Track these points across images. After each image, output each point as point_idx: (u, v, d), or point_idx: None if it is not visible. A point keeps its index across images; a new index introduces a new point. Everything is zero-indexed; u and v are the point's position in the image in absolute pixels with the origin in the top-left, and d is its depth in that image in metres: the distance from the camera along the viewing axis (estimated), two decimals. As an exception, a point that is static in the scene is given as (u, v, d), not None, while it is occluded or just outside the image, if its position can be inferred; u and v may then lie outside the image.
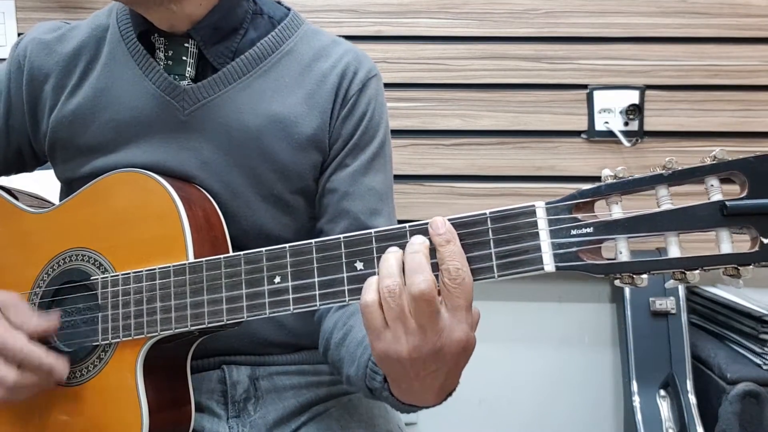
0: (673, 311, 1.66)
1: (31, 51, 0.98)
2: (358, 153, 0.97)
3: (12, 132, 1.00)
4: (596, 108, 1.78)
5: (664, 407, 1.62)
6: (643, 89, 1.77)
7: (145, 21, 0.92)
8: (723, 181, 0.60)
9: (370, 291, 0.66)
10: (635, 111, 1.76)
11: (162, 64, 0.93)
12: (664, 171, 0.61)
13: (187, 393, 0.87)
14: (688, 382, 1.62)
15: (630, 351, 1.68)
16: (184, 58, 0.93)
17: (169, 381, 0.85)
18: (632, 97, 1.77)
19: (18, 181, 1.08)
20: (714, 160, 0.60)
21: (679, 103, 1.78)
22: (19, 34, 1.77)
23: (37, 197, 1.04)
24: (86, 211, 0.89)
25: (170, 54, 0.93)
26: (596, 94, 1.78)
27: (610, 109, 1.77)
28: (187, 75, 0.92)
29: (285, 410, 0.96)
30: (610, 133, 1.77)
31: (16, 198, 0.97)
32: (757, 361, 1.49)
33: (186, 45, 0.92)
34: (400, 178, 1.77)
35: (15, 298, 0.85)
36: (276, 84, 0.95)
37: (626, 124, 1.77)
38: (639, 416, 1.63)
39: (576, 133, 1.79)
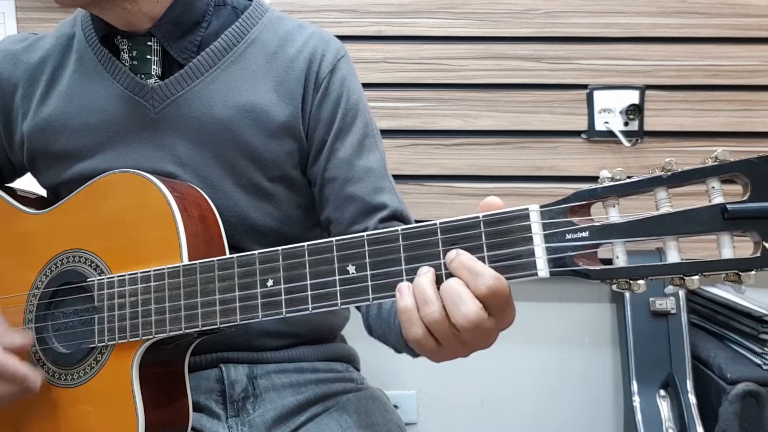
0: (673, 311, 1.66)
1: None
2: (346, 136, 0.97)
3: None
4: (596, 108, 1.77)
5: (664, 407, 1.62)
6: (643, 89, 1.77)
7: (107, 24, 0.93)
8: (725, 181, 0.58)
9: (414, 325, 0.66)
10: (635, 111, 1.75)
11: (127, 64, 0.93)
12: (663, 173, 0.59)
13: (184, 394, 0.87)
14: (688, 382, 1.61)
15: (630, 351, 1.68)
16: (149, 56, 0.93)
17: (166, 383, 0.85)
18: (632, 97, 1.76)
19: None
20: (715, 162, 0.58)
21: (679, 103, 1.77)
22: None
23: (38, 197, 1.04)
24: (83, 212, 0.89)
25: (134, 54, 0.93)
26: (596, 94, 1.77)
27: (610, 109, 1.77)
28: (153, 73, 0.93)
29: (284, 408, 0.96)
30: (610, 133, 1.77)
31: (15, 198, 0.97)
32: (757, 361, 1.48)
33: (149, 43, 0.93)
34: (400, 178, 1.77)
35: None
36: (244, 74, 0.95)
37: (626, 124, 1.76)
38: (639, 416, 1.63)
39: (576, 133, 1.79)
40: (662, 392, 1.64)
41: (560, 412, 1.89)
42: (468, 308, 0.63)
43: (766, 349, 1.48)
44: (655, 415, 1.62)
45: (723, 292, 1.65)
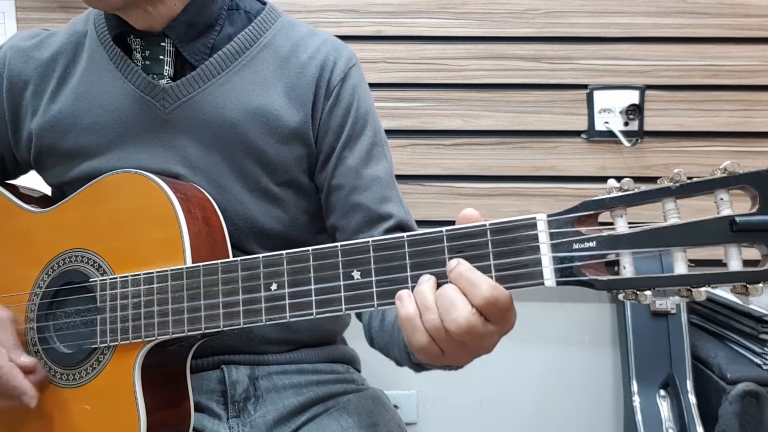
0: (673, 311, 1.66)
1: (10, 59, 0.99)
2: (354, 144, 0.97)
3: None
4: (596, 108, 1.77)
5: (664, 407, 1.62)
6: (643, 89, 1.77)
7: (120, 23, 0.93)
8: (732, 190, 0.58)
9: (417, 332, 0.66)
10: (635, 111, 1.75)
11: (140, 64, 0.93)
12: (671, 184, 0.59)
13: (186, 396, 0.87)
14: (688, 382, 1.61)
15: (630, 351, 1.68)
16: (161, 57, 0.93)
17: (167, 384, 0.85)
18: (632, 97, 1.77)
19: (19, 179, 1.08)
20: (724, 173, 0.57)
21: (679, 103, 1.78)
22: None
23: (41, 195, 1.04)
24: (86, 212, 0.89)
25: (147, 54, 0.93)
26: (596, 94, 1.77)
27: (610, 109, 1.77)
28: (165, 74, 0.93)
29: (285, 409, 0.96)
30: (610, 133, 1.77)
31: (18, 196, 0.97)
32: (757, 361, 1.48)
33: (162, 44, 0.93)
34: (400, 178, 1.76)
35: (4, 316, 0.87)
36: (255, 77, 0.95)
37: (626, 124, 1.77)
38: (639, 416, 1.63)
39: (576, 133, 1.79)
40: (662, 392, 1.64)
41: (560, 412, 1.89)
42: (459, 315, 0.63)
43: (766, 349, 1.48)
44: (655, 415, 1.62)
45: (723, 292, 1.65)
